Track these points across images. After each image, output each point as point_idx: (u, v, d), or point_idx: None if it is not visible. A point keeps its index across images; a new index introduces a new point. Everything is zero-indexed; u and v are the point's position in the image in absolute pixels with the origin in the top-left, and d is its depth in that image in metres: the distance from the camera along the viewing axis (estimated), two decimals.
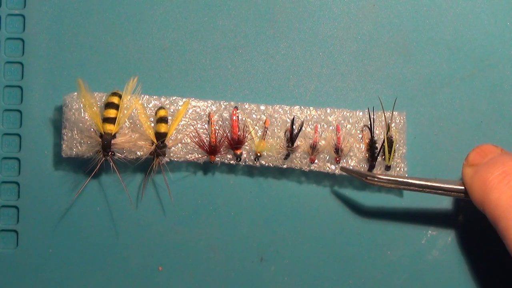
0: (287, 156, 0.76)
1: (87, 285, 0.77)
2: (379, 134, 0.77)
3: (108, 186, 0.77)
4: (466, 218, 0.79)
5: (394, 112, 0.78)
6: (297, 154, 0.76)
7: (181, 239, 0.77)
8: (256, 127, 0.77)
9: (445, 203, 0.79)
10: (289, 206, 0.78)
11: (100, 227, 0.77)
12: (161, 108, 0.76)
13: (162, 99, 0.76)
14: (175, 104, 0.76)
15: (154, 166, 0.74)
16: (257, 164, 0.76)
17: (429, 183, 0.68)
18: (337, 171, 0.76)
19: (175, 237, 0.77)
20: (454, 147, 0.79)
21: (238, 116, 0.76)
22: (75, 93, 0.75)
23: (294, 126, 0.76)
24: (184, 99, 0.76)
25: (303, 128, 0.76)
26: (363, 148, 0.77)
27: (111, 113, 0.73)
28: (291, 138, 0.76)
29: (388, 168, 0.76)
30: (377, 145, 0.77)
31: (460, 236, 0.78)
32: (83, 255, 0.77)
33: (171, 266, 0.77)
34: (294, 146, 0.76)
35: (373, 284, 0.77)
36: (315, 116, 0.77)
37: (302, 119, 0.77)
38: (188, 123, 0.76)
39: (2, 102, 0.79)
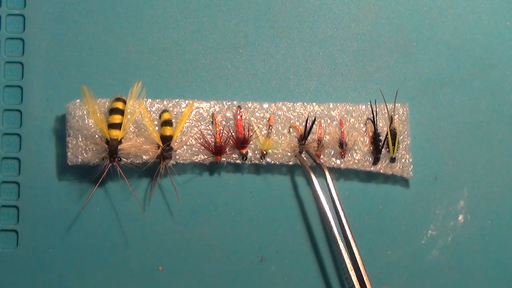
0: (300, 152, 0.76)
1: (87, 285, 0.77)
2: (383, 127, 0.77)
3: (109, 187, 0.77)
4: (466, 218, 0.79)
5: (396, 104, 0.78)
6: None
7: (181, 239, 0.77)
8: (260, 125, 0.77)
9: (444, 203, 0.79)
10: (289, 206, 0.78)
11: (100, 227, 0.77)
12: (165, 111, 0.76)
13: (165, 102, 0.76)
14: (178, 107, 0.76)
15: (161, 169, 0.74)
16: (263, 162, 0.76)
17: None
18: (343, 166, 0.76)
19: (175, 237, 0.77)
20: (454, 147, 0.79)
21: (242, 115, 0.76)
22: (78, 100, 0.75)
23: (307, 123, 0.76)
24: (187, 101, 0.76)
25: (316, 122, 0.76)
26: (367, 141, 0.77)
27: (116, 118, 0.73)
28: (305, 134, 0.76)
29: (393, 160, 0.76)
30: (381, 137, 0.77)
31: (460, 236, 0.78)
32: (83, 255, 0.77)
33: (171, 266, 0.77)
34: (307, 142, 0.76)
35: (373, 284, 0.77)
36: (318, 112, 0.77)
37: (314, 116, 0.77)
38: (192, 124, 0.76)
39: (2, 102, 0.79)
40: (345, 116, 0.77)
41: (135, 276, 0.77)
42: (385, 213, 0.78)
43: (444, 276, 0.78)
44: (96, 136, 0.74)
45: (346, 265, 0.69)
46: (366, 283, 0.69)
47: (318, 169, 0.74)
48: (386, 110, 0.78)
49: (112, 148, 0.73)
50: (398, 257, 0.78)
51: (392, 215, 0.78)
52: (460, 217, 0.79)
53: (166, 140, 0.74)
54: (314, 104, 0.77)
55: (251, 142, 0.76)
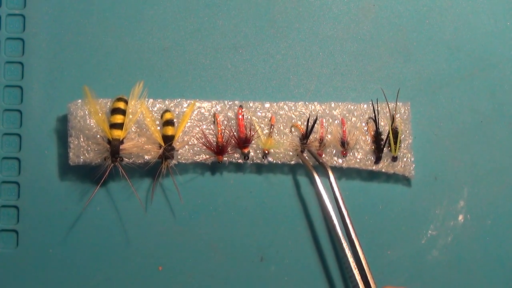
0: (302, 151, 0.76)
1: (87, 285, 0.77)
2: (385, 126, 0.77)
3: (110, 187, 0.77)
4: (466, 218, 0.79)
5: (398, 103, 0.78)
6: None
7: (182, 239, 0.77)
8: (261, 125, 0.77)
9: (444, 203, 0.79)
10: (290, 205, 0.78)
11: (100, 227, 0.77)
12: (167, 111, 0.76)
13: (167, 102, 0.76)
14: (180, 106, 0.76)
15: (163, 169, 0.74)
16: (265, 162, 0.76)
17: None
18: (344, 165, 0.77)
19: (176, 237, 0.77)
20: (454, 147, 0.79)
21: (243, 115, 0.76)
22: (79, 101, 0.75)
23: (309, 122, 0.76)
24: (188, 101, 0.76)
25: (318, 121, 0.76)
26: (369, 140, 0.77)
27: (118, 118, 0.73)
28: (306, 133, 0.76)
29: (394, 159, 0.76)
30: (382, 136, 0.77)
31: (460, 236, 0.78)
32: (83, 255, 0.77)
33: (171, 266, 0.77)
34: (308, 141, 0.76)
35: None
36: (319, 111, 0.77)
37: (316, 115, 0.77)
38: (194, 124, 0.76)
39: (2, 102, 0.79)
40: (347, 115, 0.77)
41: (135, 276, 0.77)
42: (385, 213, 0.78)
43: (444, 276, 0.78)
44: (98, 136, 0.74)
45: (349, 264, 0.69)
46: (370, 281, 0.69)
47: (320, 168, 0.74)
48: (387, 109, 0.78)
49: (114, 148, 0.72)
50: (398, 257, 0.78)
51: (392, 215, 0.78)
52: (460, 217, 0.79)
53: (168, 140, 0.74)
54: (315, 103, 0.77)
55: (253, 142, 0.76)
